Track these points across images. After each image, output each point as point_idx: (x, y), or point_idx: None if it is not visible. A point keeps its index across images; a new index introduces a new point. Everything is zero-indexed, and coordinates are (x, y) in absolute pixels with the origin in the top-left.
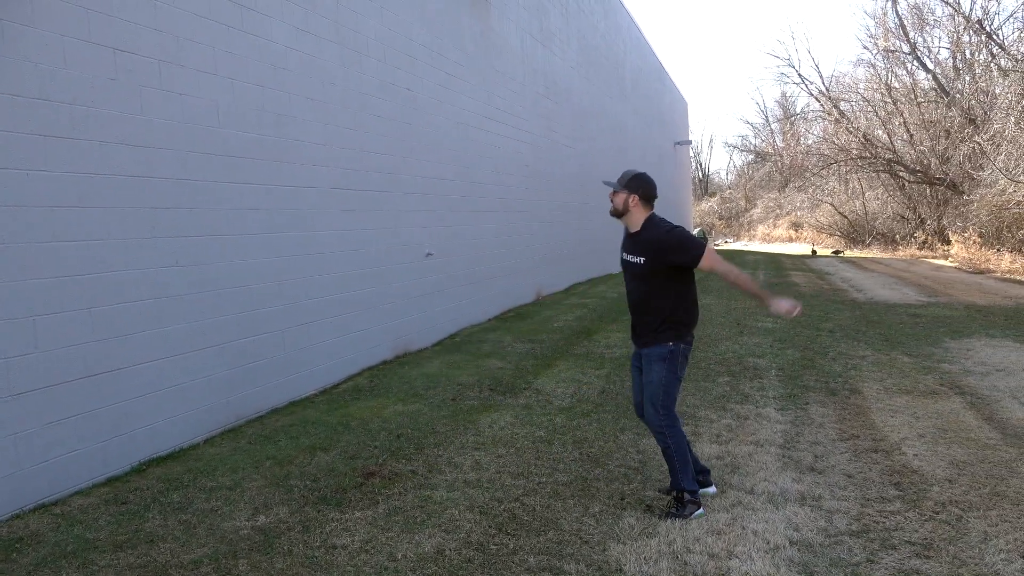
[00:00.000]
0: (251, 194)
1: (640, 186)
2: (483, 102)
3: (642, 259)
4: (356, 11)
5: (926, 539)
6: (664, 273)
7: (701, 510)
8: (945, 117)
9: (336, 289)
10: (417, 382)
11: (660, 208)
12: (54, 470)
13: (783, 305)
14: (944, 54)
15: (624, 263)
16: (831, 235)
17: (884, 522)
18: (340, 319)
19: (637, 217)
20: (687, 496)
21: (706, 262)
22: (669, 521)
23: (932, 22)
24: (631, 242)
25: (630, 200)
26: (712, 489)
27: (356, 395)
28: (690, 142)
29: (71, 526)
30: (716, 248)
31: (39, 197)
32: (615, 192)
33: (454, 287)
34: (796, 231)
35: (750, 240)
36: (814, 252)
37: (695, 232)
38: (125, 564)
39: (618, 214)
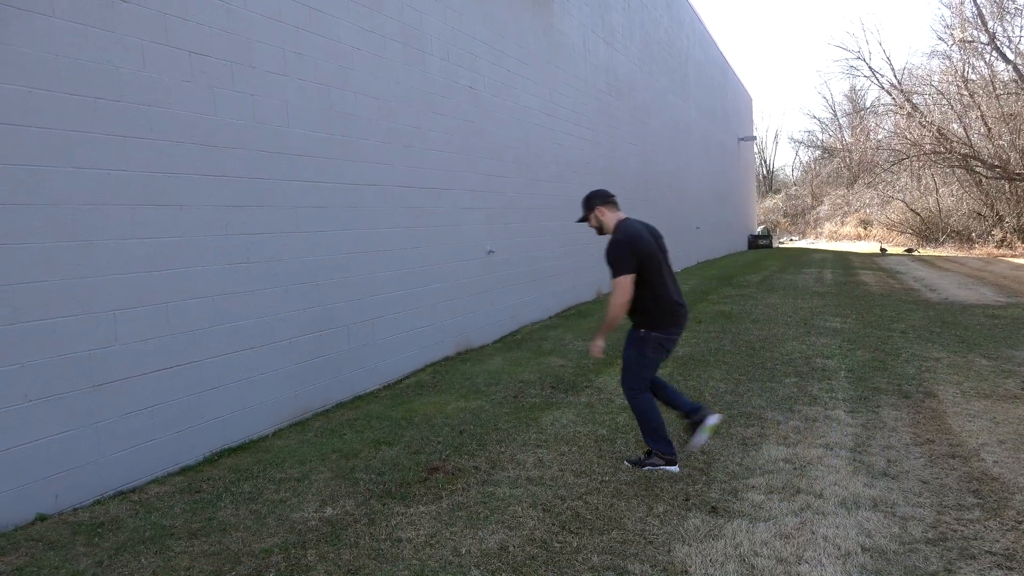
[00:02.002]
0: (317, 192)
1: (591, 199)
2: (545, 99)
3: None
4: (420, 10)
5: (1008, 550)
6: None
7: (668, 468)
8: None
9: (399, 285)
10: (479, 379)
11: (724, 204)
12: (132, 459)
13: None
14: None
15: None
16: (902, 233)
17: (962, 531)
18: (403, 315)
19: (611, 222)
20: (655, 451)
21: (613, 287)
22: (736, 523)
23: (1013, 11)
24: None
25: (597, 214)
26: (713, 418)
27: (419, 391)
28: (754, 138)
29: (148, 513)
30: (781, 246)
31: (119, 196)
32: (586, 219)
33: (515, 284)
34: (865, 229)
35: (816, 238)
36: (883, 250)
37: (759, 230)
38: (199, 551)
39: (603, 230)
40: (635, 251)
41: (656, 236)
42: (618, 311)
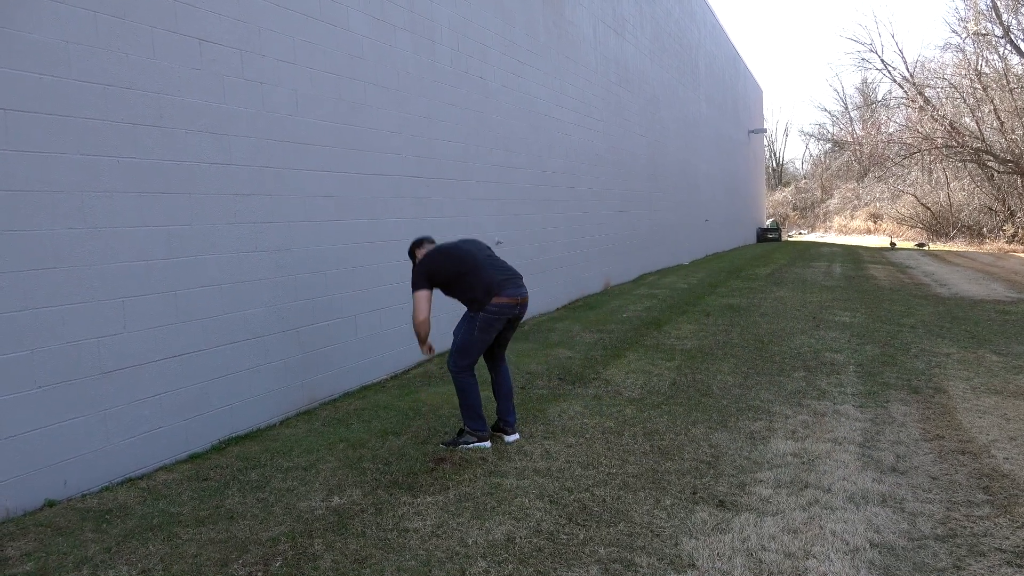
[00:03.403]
0: (326, 181)
1: (413, 249)
2: (555, 90)
3: None
4: (431, 0)
5: (1018, 547)
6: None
7: (480, 444)
8: None
9: (407, 276)
10: (486, 370)
11: (733, 197)
12: (140, 446)
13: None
14: None
15: None
16: (912, 227)
17: (972, 527)
18: (411, 305)
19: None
20: (467, 429)
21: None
22: (743, 517)
23: None
24: None
25: (419, 252)
26: (512, 437)
27: (426, 381)
28: (764, 130)
29: (156, 500)
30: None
31: (128, 184)
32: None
33: (523, 275)
34: (875, 223)
35: (826, 232)
36: (893, 245)
37: (768, 223)
38: (207, 539)
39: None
40: (430, 270)
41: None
42: (416, 315)
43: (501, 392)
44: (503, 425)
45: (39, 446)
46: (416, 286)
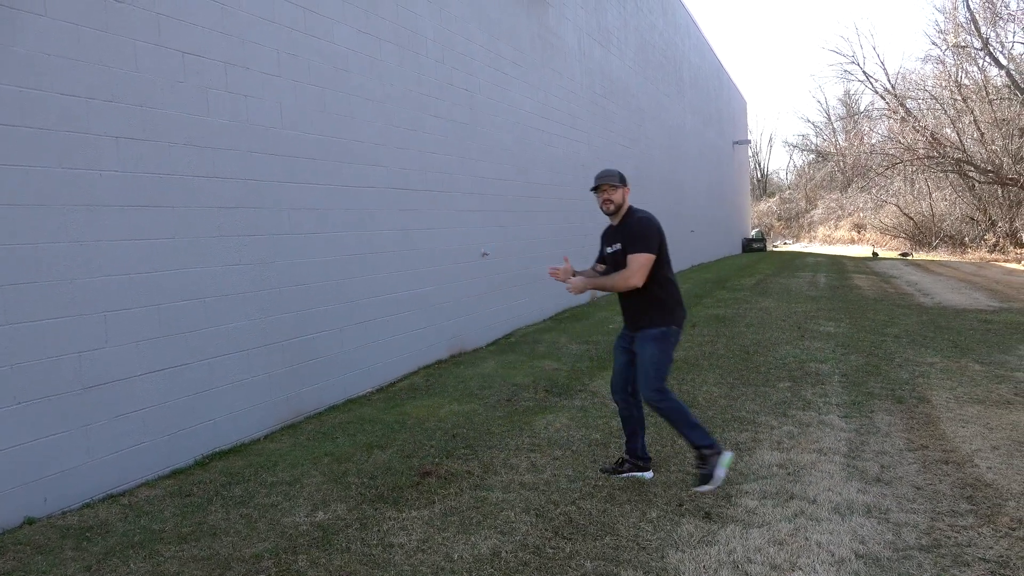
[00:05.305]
0: (312, 194)
1: (622, 177)
2: (540, 102)
3: (619, 245)
4: (416, 12)
5: (1002, 556)
6: None
7: (727, 455)
8: (1019, 115)
9: (393, 288)
10: (472, 382)
11: (719, 208)
12: (122, 461)
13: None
14: (1019, 49)
15: (608, 256)
16: (895, 237)
17: (956, 537)
18: (397, 318)
19: (625, 208)
20: (705, 451)
21: (634, 261)
22: (729, 529)
23: (1006, 16)
24: (615, 233)
25: (625, 193)
26: (648, 474)
27: (412, 394)
28: (748, 141)
29: (138, 517)
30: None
31: (111, 197)
32: (615, 188)
33: (509, 287)
34: (859, 233)
35: (810, 242)
36: (875, 255)
37: (753, 233)
38: (189, 556)
39: (618, 209)
40: (661, 235)
41: None
42: (624, 287)
43: (643, 424)
44: (644, 464)
45: (18, 462)
46: (648, 246)
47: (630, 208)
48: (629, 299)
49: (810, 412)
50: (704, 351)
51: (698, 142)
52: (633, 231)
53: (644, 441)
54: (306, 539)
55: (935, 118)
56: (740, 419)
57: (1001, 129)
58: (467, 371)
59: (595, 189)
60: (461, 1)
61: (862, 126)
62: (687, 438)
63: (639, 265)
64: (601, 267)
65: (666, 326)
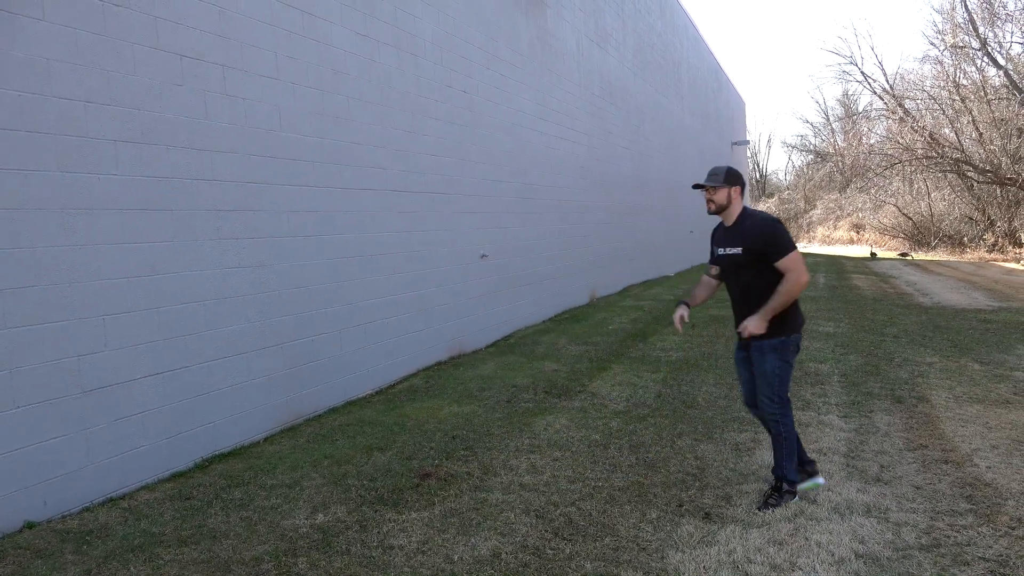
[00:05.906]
0: (311, 196)
1: (738, 179)
2: (539, 104)
3: (740, 249)
4: (414, 15)
5: (1001, 555)
6: (763, 263)
7: (796, 498)
8: (1017, 115)
9: (392, 290)
10: (472, 384)
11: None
12: (122, 465)
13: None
14: (1017, 49)
15: (721, 258)
16: (894, 237)
17: (956, 537)
18: (396, 320)
19: (736, 209)
20: (786, 486)
21: (790, 263)
22: (729, 529)
23: (1004, 16)
24: (729, 235)
25: (732, 192)
26: (822, 480)
27: (412, 396)
28: (747, 142)
29: (138, 520)
30: None
31: (110, 200)
32: (715, 189)
33: (509, 289)
34: (857, 233)
35: (809, 242)
36: (874, 255)
37: None
38: (189, 559)
39: (720, 209)
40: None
41: None
42: (799, 290)
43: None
44: (811, 468)
45: (18, 466)
46: (788, 243)
47: (744, 209)
48: (746, 306)
49: (809, 412)
50: (704, 352)
51: (697, 143)
52: (760, 235)
53: (801, 446)
54: (306, 541)
55: (933, 118)
56: (740, 419)
57: (999, 129)
58: (466, 372)
59: (698, 186)
60: (459, 3)
61: (860, 126)
62: (779, 465)
63: (795, 263)
64: (715, 269)
65: (784, 335)
